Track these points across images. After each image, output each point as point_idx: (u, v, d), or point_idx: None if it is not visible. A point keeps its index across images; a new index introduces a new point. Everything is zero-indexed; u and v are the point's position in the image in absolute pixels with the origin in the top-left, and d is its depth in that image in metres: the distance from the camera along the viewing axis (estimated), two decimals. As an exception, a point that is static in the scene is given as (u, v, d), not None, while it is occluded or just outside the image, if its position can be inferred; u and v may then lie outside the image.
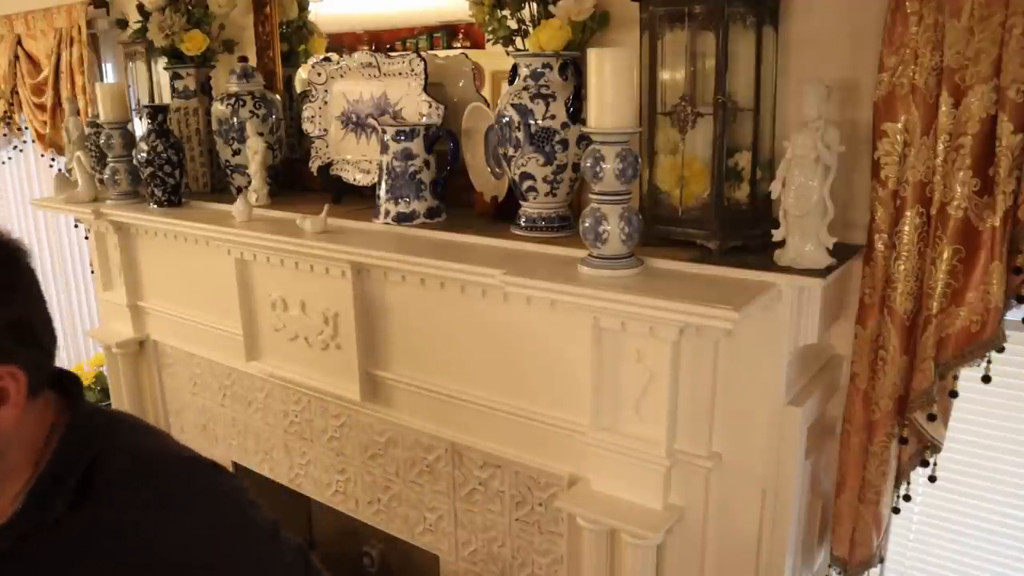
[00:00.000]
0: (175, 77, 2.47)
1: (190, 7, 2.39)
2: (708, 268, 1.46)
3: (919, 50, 1.33)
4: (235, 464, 2.56)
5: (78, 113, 2.83)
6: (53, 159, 3.50)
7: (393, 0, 2.31)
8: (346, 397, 2.06)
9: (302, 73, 2.43)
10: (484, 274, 1.58)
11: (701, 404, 1.51)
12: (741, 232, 1.51)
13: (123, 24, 2.66)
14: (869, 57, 1.44)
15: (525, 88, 1.66)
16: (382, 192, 1.89)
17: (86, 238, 2.88)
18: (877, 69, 1.39)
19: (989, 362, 1.39)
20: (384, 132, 1.86)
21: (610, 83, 1.40)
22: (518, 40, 1.71)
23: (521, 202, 1.74)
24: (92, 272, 2.94)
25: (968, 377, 1.44)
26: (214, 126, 2.33)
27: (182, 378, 2.61)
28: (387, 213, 1.89)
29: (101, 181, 2.55)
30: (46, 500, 0.93)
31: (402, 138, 1.84)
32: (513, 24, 1.69)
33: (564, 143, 1.65)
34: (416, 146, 1.84)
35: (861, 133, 1.47)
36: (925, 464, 1.52)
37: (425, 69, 1.93)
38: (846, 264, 1.47)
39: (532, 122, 1.64)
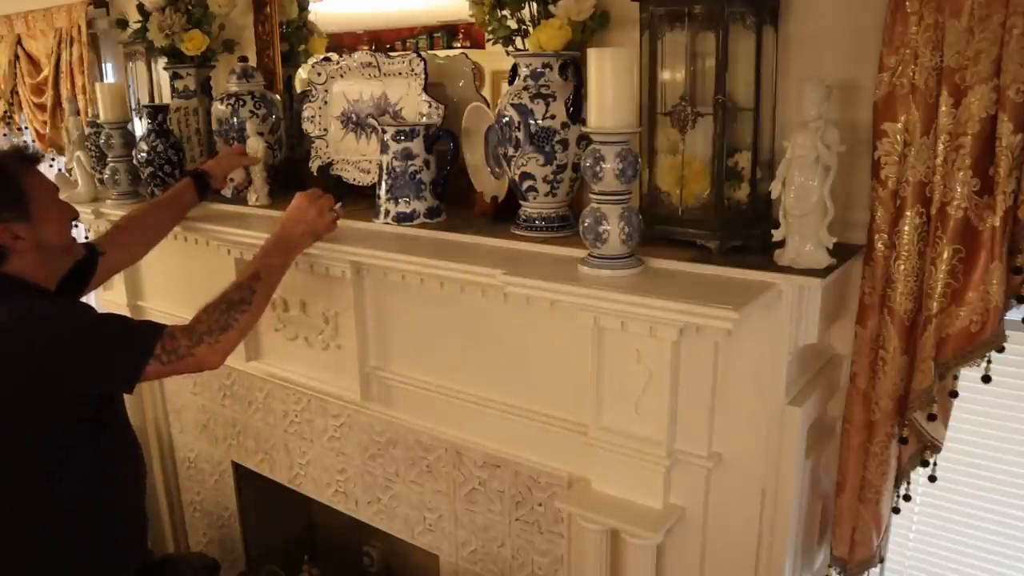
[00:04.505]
0: (175, 77, 2.47)
1: (190, 7, 2.39)
2: (708, 268, 1.46)
3: (919, 50, 1.33)
4: (235, 464, 2.56)
5: (78, 113, 2.83)
6: (53, 159, 3.50)
7: (393, 0, 2.31)
8: (346, 397, 2.06)
9: (302, 73, 2.43)
10: (484, 274, 1.58)
11: (701, 404, 1.51)
12: (741, 232, 1.51)
13: (123, 24, 2.65)
14: (869, 57, 1.44)
15: (525, 88, 1.66)
16: (382, 192, 1.89)
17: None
18: (877, 69, 1.39)
19: (989, 362, 1.38)
20: (384, 132, 1.86)
21: (610, 83, 1.39)
22: (518, 40, 1.70)
23: (521, 202, 1.74)
24: (92, 272, 2.93)
25: (968, 377, 1.44)
26: (214, 126, 2.33)
27: (182, 378, 2.61)
28: (387, 213, 1.88)
29: (101, 181, 2.55)
30: None
31: (402, 138, 1.83)
32: (513, 24, 1.69)
33: (564, 143, 1.65)
34: (416, 146, 1.84)
35: (861, 133, 1.47)
36: (925, 464, 1.52)
37: (425, 69, 1.93)
38: (846, 264, 1.47)
39: (532, 122, 1.64)
